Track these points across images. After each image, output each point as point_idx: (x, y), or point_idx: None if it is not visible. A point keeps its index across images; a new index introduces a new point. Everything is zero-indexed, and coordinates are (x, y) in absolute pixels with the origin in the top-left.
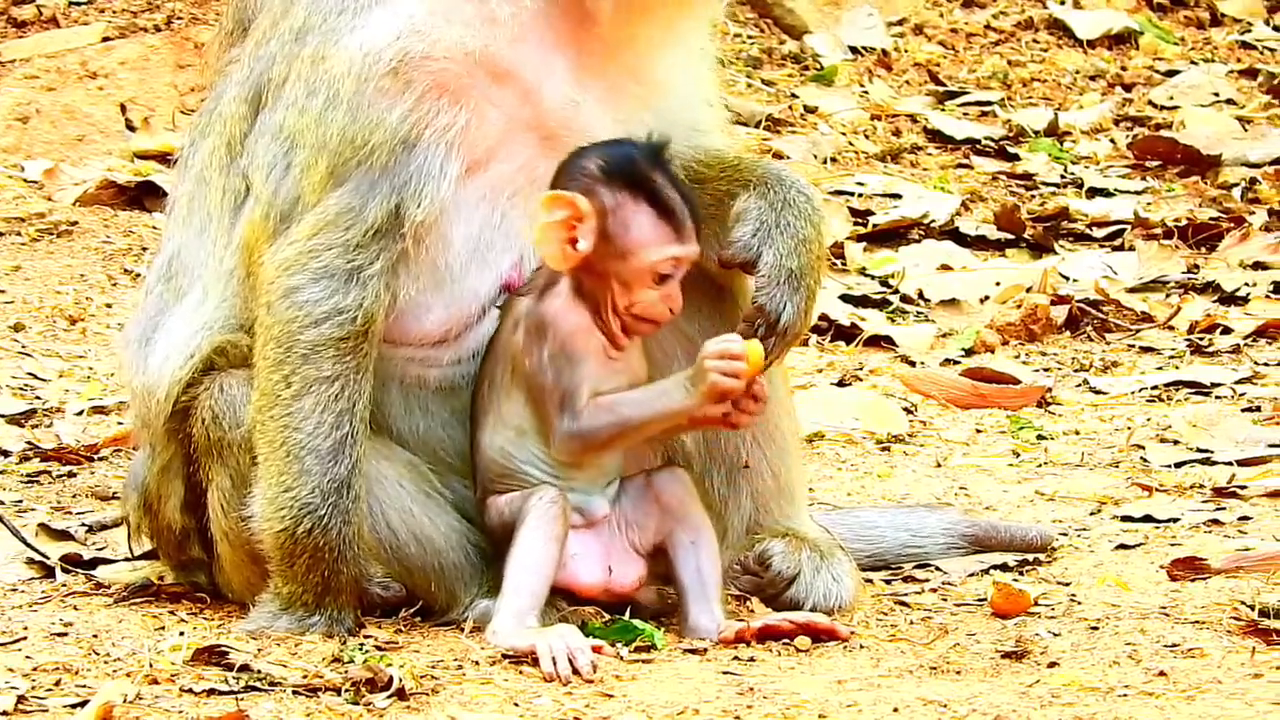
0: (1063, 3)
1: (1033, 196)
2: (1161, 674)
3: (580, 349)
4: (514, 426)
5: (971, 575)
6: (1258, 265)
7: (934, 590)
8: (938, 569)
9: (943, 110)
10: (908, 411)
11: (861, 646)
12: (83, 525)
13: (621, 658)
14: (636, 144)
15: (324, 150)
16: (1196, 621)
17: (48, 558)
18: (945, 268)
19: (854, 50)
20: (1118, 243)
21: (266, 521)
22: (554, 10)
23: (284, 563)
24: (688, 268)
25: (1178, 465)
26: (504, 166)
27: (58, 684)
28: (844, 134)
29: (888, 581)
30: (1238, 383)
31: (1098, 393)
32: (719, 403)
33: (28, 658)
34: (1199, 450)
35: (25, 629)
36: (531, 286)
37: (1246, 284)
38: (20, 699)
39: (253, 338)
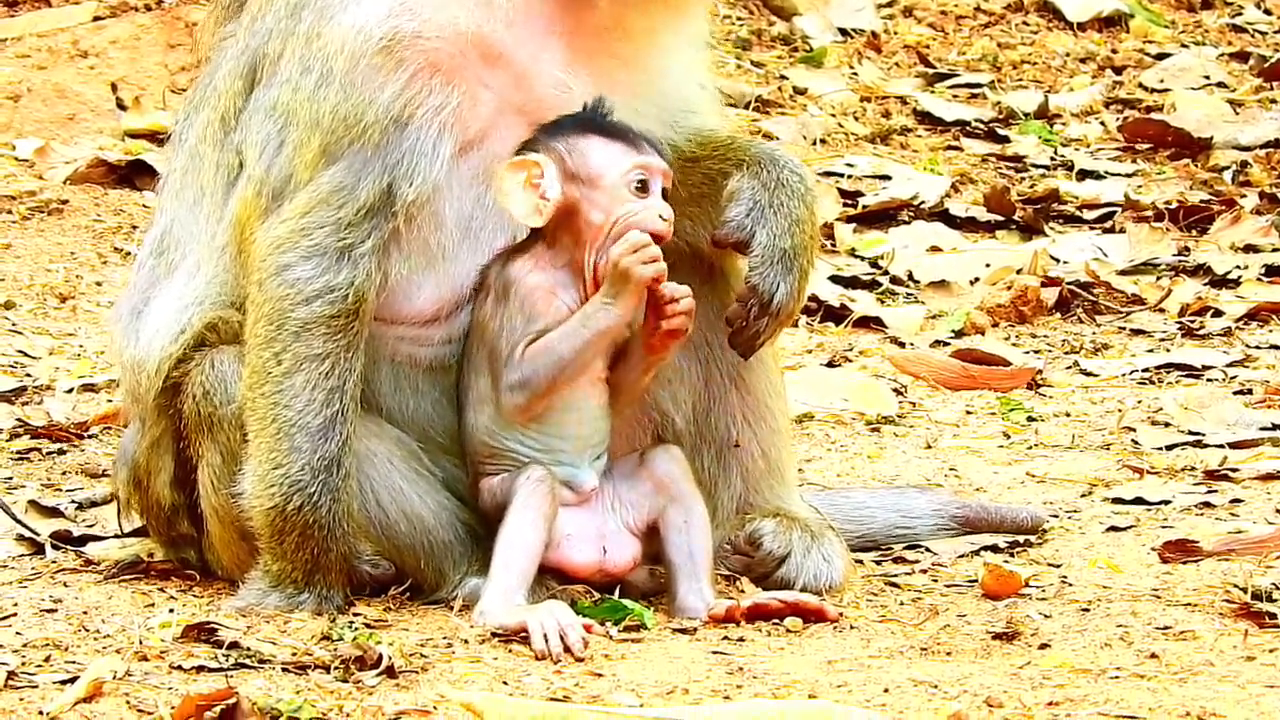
0: None
1: (1023, 179)
2: (1153, 656)
3: (539, 308)
4: (490, 401)
5: (962, 556)
6: (1249, 248)
7: (924, 571)
8: (928, 550)
9: (932, 92)
10: (898, 393)
11: (852, 627)
12: (72, 502)
13: (611, 637)
14: (577, 111)
15: (317, 128)
16: (1188, 604)
17: (38, 534)
18: (935, 249)
19: (843, 32)
20: (1108, 225)
21: (256, 498)
22: None
23: (273, 540)
24: (664, 182)
25: (1169, 448)
26: (496, 147)
27: (47, 660)
28: (833, 115)
29: (878, 562)
30: (1229, 365)
31: (1088, 375)
32: (661, 310)
33: (17, 634)
34: (1190, 433)
35: (15, 605)
36: (500, 254)
37: (1238, 267)
38: (10, 675)
39: (244, 314)
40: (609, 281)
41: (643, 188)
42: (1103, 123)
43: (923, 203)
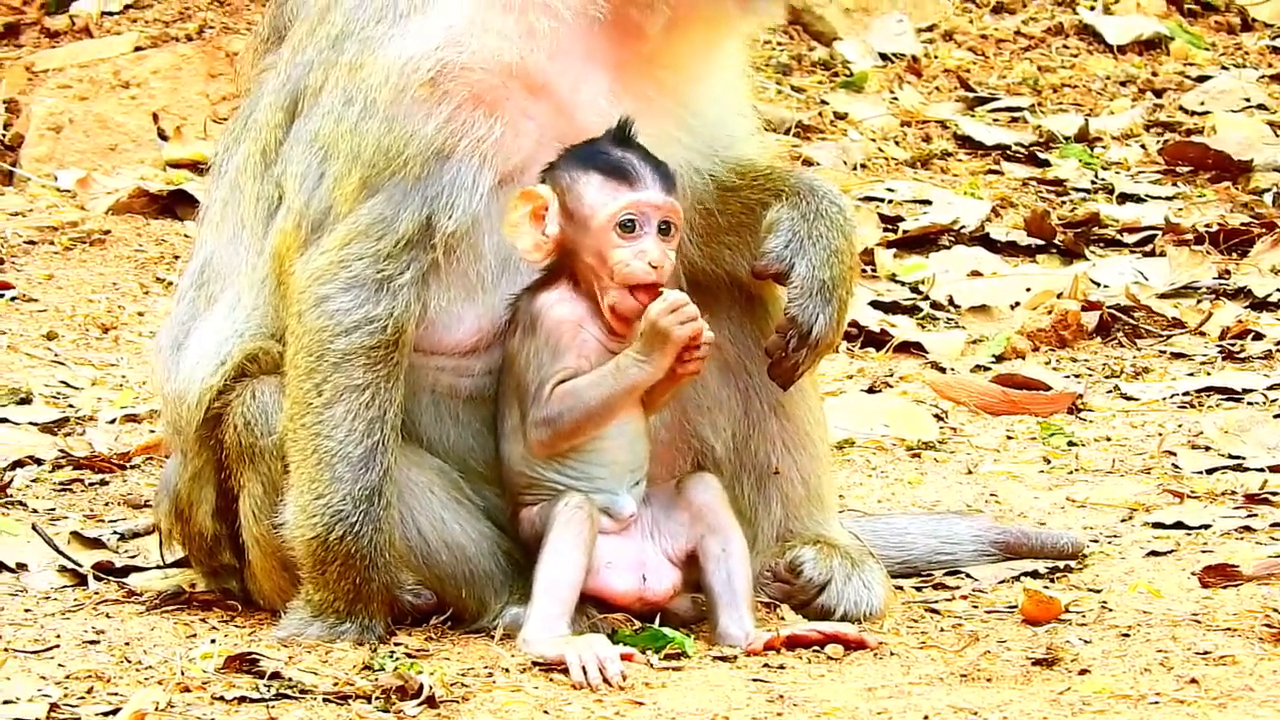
0: (1093, 8)
1: (1063, 202)
2: (1193, 681)
3: (566, 342)
4: (521, 433)
5: (1002, 582)
6: None
7: (965, 597)
8: (968, 576)
9: (973, 116)
10: (938, 418)
11: (892, 654)
12: (115, 533)
13: (652, 665)
14: (605, 131)
15: (358, 160)
16: (1228, 629)
17: (80, 565)
18: (976, 274)
19: (884, 57)
20: (1149, 248)
21: (298, 528)
22: (596, 24)
23: (315, 570)
24: (667, 217)
25: (1209, 472)
26: (535, 179)
27: (90, 692)
28: (874, 140)
29: (918, 588)
30: (1269, 388)
31: (1129, 399)
32: (683, 354)
33: (60, 665)
34: (1230, 456)
35: (58, 637)
36: (529, 285)
37: (1278, 289)
38: (53, 706)
39: (284, 345)
40: (645, 339)
41: (629, 228)
42: (1143, 146)
43: (963, 227)
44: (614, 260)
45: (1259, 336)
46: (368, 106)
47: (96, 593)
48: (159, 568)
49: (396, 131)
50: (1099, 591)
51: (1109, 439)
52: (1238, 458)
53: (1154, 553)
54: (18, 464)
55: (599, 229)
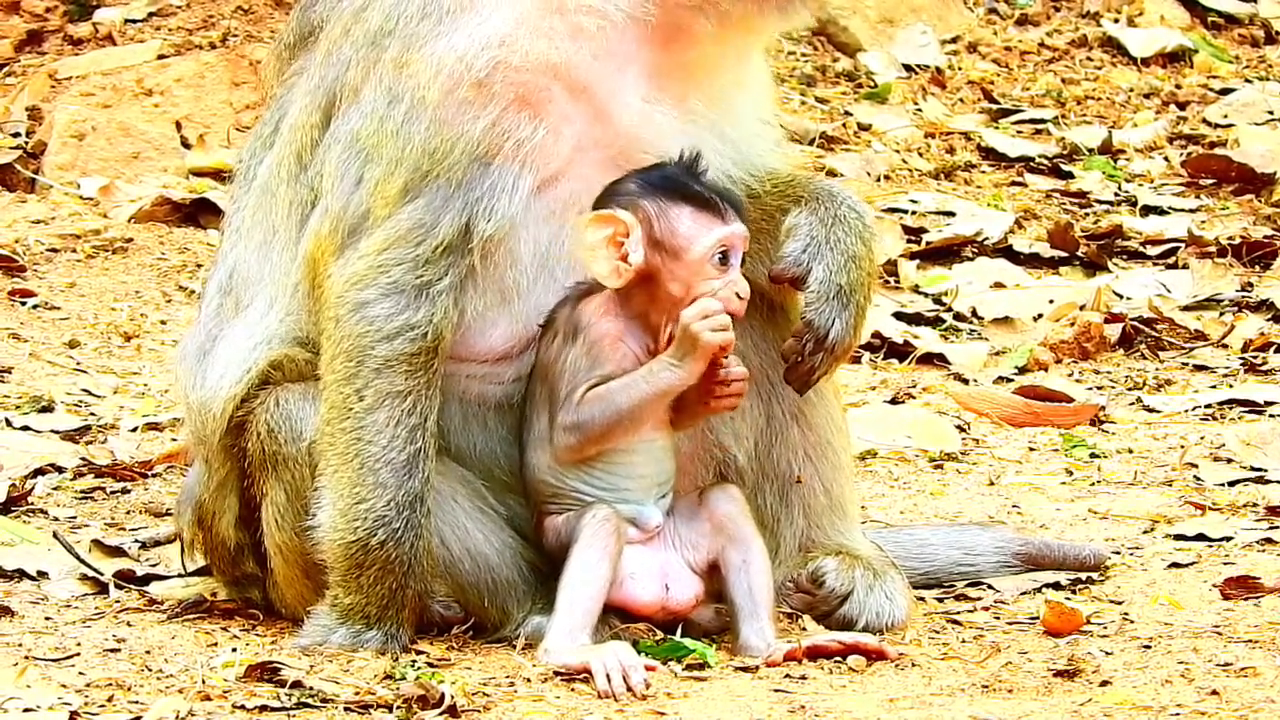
0: (1117, 21)
1: (1086, 214)
2: (1214, 693)
3: (605, 354)
4: (548, 440)
5: (1024, 594)
6: None
7: (986, 609)
8: (990, 587)
9: (996, 128)
10: (961, 429)
11: (913, 665)
12: (136, 541)
13: (675, 675)
14: (672, 161)
15: (400, 165)
16: (1249, 640)
17: (101, 574)
18: (999, 285)
19: (908, 68)
20: (1171, 261)
21: (337, 532)
22: (642, 27)
23: (350, 573)
24: (743, 249)
25: (1231, 484)
26: (572, 184)
27: (110, 700)
28: (897, 151)
29: (940, 599)
30: None
31: (1151, 411)
32: (717, 375)
33: (81, 674)
34: (1252, 469)
35: (78, 645)
36: (570, 295)
37: None
38: (73, 715)
39: (312, 352)
40: (677, 343)
41: (724, 261)
42: (1166, 158)
43: (986, 239)
44: (702, 290)
45: None
46: (415, 105)
47: (117, 601)
48: (180, 576)
49: (444, 133)
50: (1120, 603)
51: (1131, 451)
52: (1259, 470)
53: (1175, 564)
54: (39, 472)
55: (695, 261)
